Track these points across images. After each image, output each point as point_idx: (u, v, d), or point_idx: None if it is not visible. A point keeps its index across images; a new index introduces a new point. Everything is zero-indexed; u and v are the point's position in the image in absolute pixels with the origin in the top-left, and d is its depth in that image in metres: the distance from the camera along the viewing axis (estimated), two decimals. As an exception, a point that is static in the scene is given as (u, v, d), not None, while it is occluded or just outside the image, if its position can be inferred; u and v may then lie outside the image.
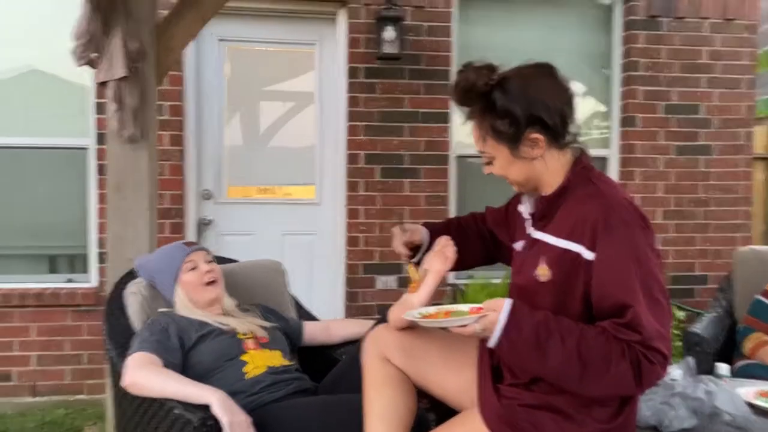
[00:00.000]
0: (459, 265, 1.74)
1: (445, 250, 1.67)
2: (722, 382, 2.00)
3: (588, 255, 1.39)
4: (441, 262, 1.68)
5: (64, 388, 3.74)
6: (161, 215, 3.67)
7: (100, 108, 3.64)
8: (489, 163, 1.54)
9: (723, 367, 2.12)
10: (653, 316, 1.33)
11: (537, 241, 1.52)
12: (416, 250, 1.84)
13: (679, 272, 4.17)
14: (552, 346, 1.35)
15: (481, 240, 1.86)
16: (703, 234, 4.20)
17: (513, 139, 1.45)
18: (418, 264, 1.75)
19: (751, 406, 1.91)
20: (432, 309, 1.56)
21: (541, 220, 1.52)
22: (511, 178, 1.53)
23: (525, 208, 1.62)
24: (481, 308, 1.46)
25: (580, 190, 1.46)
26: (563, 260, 1.43)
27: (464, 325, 1.40)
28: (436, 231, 1.82)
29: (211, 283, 2.13)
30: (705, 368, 2.62)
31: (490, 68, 1.46)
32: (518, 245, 1.63)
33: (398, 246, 1.79)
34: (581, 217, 1.41)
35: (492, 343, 1.40)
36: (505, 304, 1.40)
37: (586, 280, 1.40)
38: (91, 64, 2.53)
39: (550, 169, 1.48)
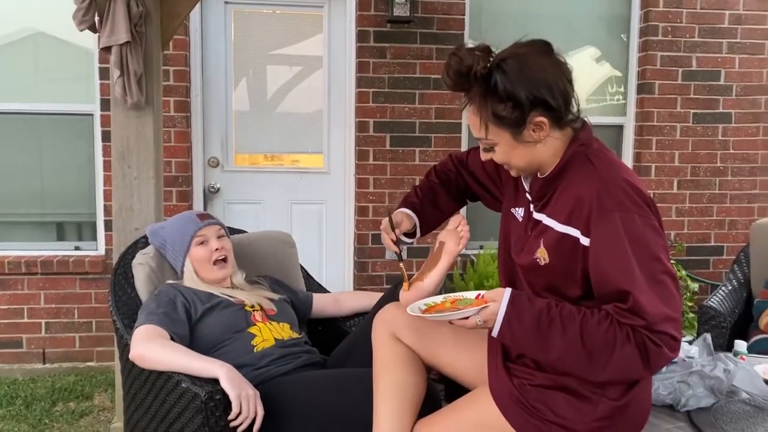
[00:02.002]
0: (429, 230, 1.82)
1: (459, 229, 1.63)
2: (740, 359, 1.96)
3: (584, 241, 1.35)
4: (455, 243, 1.65)
5: (74, 355, 3.75)
6: (167, 183, 3.64)
7: (103, 73, 3.58)
8: (489, 150, 1.46)
9: (741, 345, 2.08)
10: (658, 299, 1.28)
11: (538, 222, 1.47)
12: (413, 233, 1.84)
13: (694, 243, 4.11)
14: (553, 333, 1.32)
15: (455, 194, 1.85)
16: (719, 204, 4.12)
17: (516, 124, 1.37)
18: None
19: (769, 383, 1.88)
20: (438, 298, 1.53)
21: (539, 200, 1.47)
22: (513, 164, 1.46)
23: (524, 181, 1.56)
24: None
25: (577, 169, 1.40)
26: (562, 245, 1.39)
27: (466, 318, 1.38)
28: (417, 208, 1.81)
29: (218, 261, 2.10)
30: (720, 342, 2.60)
31: (487, 50, 1.36)
32: (518, 212, 1.57)
33: (391, 245, 1.74)
34: (578, 200, 1.36)
35: (494, 333, 1.38)
36: (505, 294, 1.37)
37: (584, 266, 1.37)
38: (93, 28, 2.45)
39: (551, 150, 1.42)
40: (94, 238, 3.83)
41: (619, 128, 4.15)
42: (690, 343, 1.94)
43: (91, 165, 3.77)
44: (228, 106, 3.92)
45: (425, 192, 1.84)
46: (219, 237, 2.13)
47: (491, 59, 1.35)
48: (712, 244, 4.15)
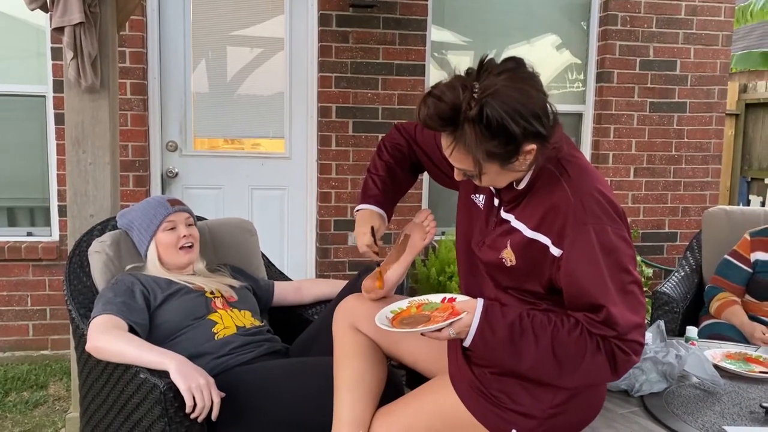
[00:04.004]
0: (393, 210, 1.75)
1: (425, 223, 1.63)
2: (691, 345, 2.02)
3: (555, 251, 1.35)
4: (420, 238, 1.66)
5: (28, 343, 3.66)
6: (124, 167, 3.55)
7: (56, 53, 3.46)
8: (471, 176, 1.41)
9: (693, 330, 2.15)
10: (627, 309, 1.31)
11: (505, 221, 1.46)
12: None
13: (649, 229, 4.22)
14: (526, 344, 1.33)
15: (409, 168, 1.79)
16: (673, 191, 4.23)
17: (509, 157, 1.33)
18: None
19: (718, 368, 1.95)
20: (404, 303, 1.52)
21: (509, 203, 1.46)
22: (496, 185, 1.44)
23: None
24: (453, 298, 1.44)
25: (550, 177, 1.39)
26: (531, 249, 1.39)
27: (439, 330, 1.37)
28: (380, 200, 1.75)
29: (185, 248, 2.07)
30: (672, 327, 2.68)
31: (470, 85, 1.29)
32: (478, 199, 1.56)
33: (375, 257, 1.70)
34: (551, 209, 1.36)
35: (466, 344, 1.38)
36: (478, 306, 1.37)
37: (552, 272, 1.38)
38: (45, 7, 2.36)
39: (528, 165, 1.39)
40: (48, 223, 3.72)
41: (579, 116, 4.21)
42: (644, 329, 1.99)
43: (43, 148, 3.65)
44: (186, 89, 3.83)
45: (383, 178, 1.77)
46: (188, 225, 2.11)
47: (475, 94, 1.28)
48: (666, 230, 4.26)
